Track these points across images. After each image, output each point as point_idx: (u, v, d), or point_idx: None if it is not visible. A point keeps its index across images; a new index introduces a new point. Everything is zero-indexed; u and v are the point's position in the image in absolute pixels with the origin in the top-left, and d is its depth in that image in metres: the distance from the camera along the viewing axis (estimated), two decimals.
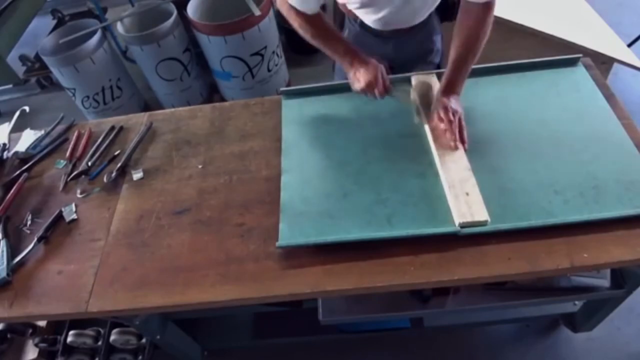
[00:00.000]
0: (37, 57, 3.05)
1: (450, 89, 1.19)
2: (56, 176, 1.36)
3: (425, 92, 1.29)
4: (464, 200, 1.05)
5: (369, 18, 1.31)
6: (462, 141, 1.16)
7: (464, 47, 1.16)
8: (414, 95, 1.29)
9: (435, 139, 1.18)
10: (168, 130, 1.43)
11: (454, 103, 1.17)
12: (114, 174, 1.30)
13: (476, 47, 1.16)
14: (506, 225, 1.01)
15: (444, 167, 1.13)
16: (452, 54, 1.18)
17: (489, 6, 1.13)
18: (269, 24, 2.39)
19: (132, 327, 1.44)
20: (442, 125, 1.17)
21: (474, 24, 1.14)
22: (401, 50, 1.40)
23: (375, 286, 0.99)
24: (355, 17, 1.36)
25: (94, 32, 2.42)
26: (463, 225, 1.02)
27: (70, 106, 2.68)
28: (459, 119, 1.17)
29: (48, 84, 3.28)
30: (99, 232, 1.20)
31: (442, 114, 1.17)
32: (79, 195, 1.29)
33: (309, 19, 1.21)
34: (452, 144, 1.15)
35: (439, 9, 1.31)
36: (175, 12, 2.44)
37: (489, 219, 1.01)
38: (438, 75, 1.31)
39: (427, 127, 1.22)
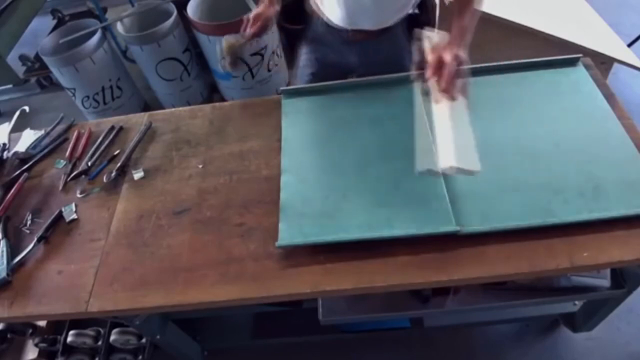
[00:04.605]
0: (37, 57, 3.05)
1: (458, 37, 1.09)
2: (56, 176, 1.36)
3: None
4: (454, 145, 0.97)
5: (335, 13, 1.29)
6: (453, 90, 1.03)
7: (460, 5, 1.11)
8: None
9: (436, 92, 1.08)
10: (168, 130, 1.43)
11: (460, 52, 1.06)
12: (113, 174, 1.30)
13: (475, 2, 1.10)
14: (506, 225, 1.01)
15: (438, 112, 1.05)
16: (454, 5, 1.12)
17: None
18: None
19: (132, 327, 1.44)
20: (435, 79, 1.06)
21: None
22: (365, 58, 1.38)
23: (375, 286, 0.99)
24: (320, 16, 1.34)
25: (94, 32, 2.42)
26: (447, 171, 0.96)
27: (70, 106, 2.68)
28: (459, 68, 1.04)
29: (48, 84, 3.28)
30: (99, 232, 1.20)
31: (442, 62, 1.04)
32: (78, 195, 1.29)
33: None
34: (445, 95, 1.04)
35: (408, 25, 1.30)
36: (175, 12, 2.44)
37: (479, 169, 0.95)
38: None
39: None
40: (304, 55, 1.53)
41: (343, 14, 1.28)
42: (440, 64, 1.05)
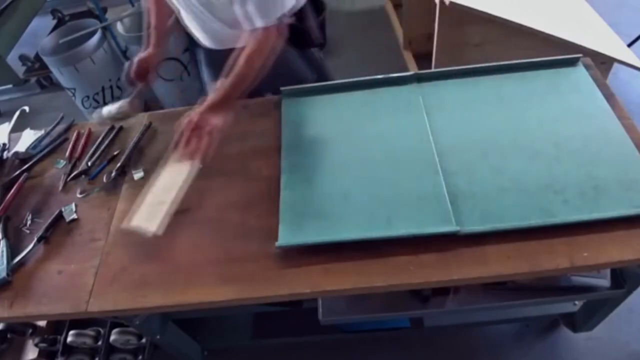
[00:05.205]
0: (37, 57, 3.05)
1: (213, 105, 1.16)
2: (56, 176, 1.36)
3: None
4: (152, 207, 1.10)
5: (204, 39, 1.32)
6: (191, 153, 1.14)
7: (231, 67, 1.16)
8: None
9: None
10: (168, 130, 1.43)
11: (213, 116, 1.15)
12: (113, 174, 1.30)
13: (242, 68, 1.15)
14: (506, 225, 1.01)
15: (168, 171, 1.15)
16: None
17: (261, 34, 1.14)
18: None
19: (132, 327, 1.44)
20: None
21: (246, 46, 1.15)
22: None
23: (375, 286, 0.99)
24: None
25: (94, 32, 2.42)
26: (135, 228, 1.07)
27: (70, 106, 2.68)
28: (201, 132, 1.14)
29: (48, 84, 3.28)
30: (99, 232, 1.20)
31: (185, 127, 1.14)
32: (78, 195, 1.29)
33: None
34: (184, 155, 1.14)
35: (293, 39, 1.29)
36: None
37: (152, 233, 1.05)
38: None
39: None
40: (206, 78, 1.59)
41: (210, 38, 1.30)
42: (190, 126, 1.14)
